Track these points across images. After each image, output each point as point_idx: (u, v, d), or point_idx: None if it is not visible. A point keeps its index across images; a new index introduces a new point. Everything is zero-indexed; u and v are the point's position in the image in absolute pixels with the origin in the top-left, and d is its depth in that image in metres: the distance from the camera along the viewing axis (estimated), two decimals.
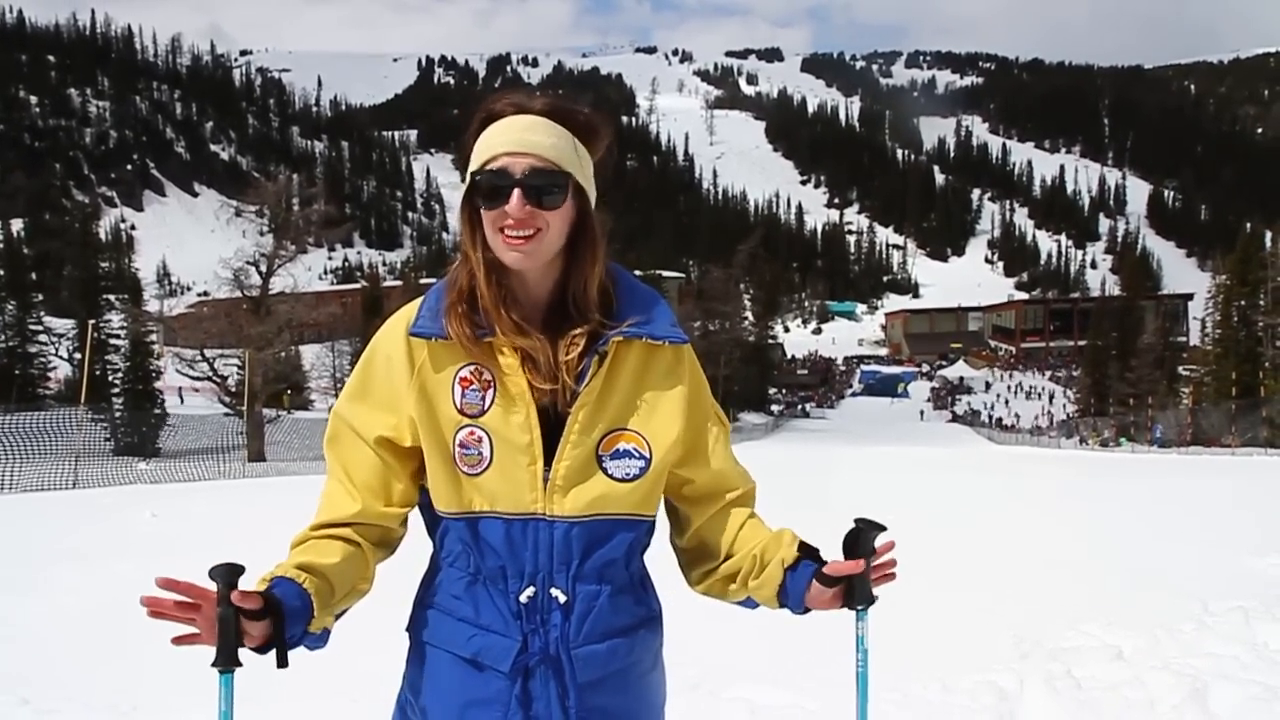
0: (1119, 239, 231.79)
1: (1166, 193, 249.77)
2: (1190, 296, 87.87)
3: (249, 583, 1.25)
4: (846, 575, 1.46)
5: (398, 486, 1.49)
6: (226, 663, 1.25)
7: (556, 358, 1.41)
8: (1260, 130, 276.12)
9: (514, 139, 1.38)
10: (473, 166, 1.41)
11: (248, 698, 4.15)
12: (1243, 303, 38.89)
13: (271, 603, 1.28)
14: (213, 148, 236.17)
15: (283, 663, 1.29)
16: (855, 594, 1.47)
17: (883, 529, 1.48)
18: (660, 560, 1.63)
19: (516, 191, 1.35)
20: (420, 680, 1.49)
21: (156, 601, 1.21)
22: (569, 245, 1.44)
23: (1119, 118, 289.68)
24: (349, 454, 1.49)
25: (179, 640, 1.26)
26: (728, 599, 1.60)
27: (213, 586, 1.25)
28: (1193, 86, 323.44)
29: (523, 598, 1.41)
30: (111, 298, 36.40)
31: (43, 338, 35.09)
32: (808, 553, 1.51)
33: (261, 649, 1.30)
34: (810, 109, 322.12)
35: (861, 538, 1.47)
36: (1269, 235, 42.79)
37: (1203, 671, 3.91)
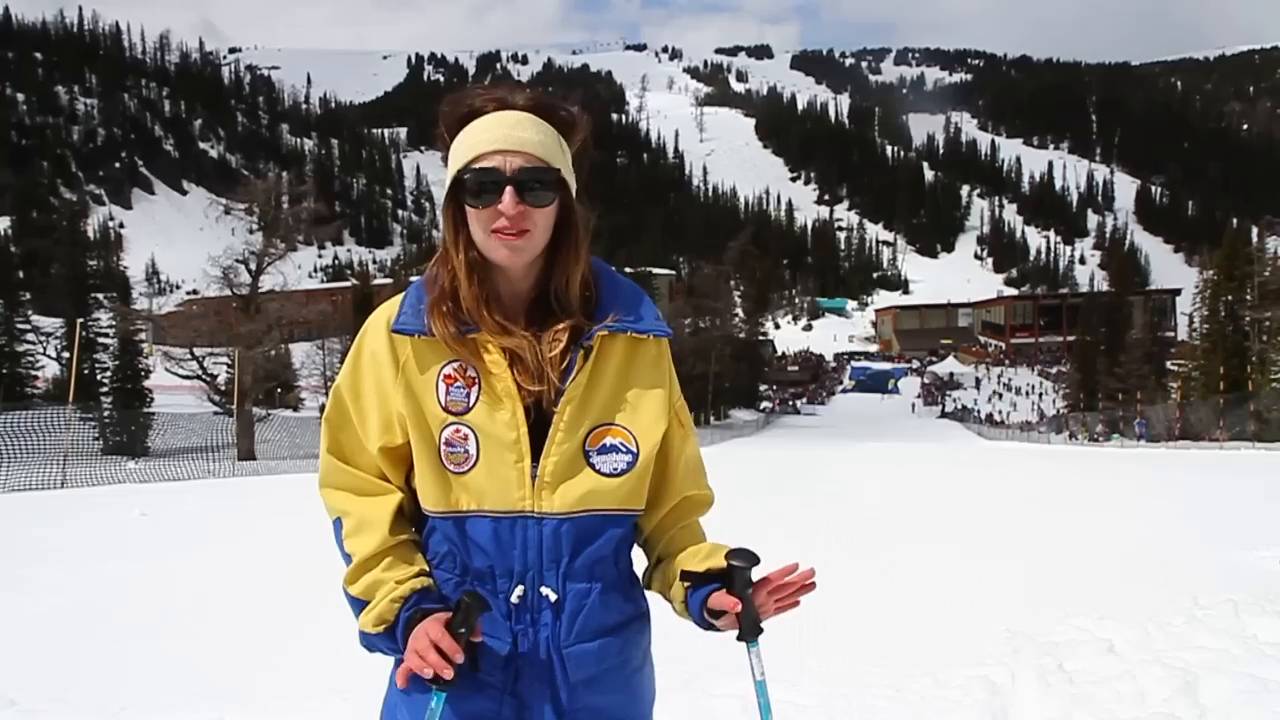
0: (1107, 235, 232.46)
1: (1154, 189, 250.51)
2: (1178, 292, 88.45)
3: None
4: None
5: (402, 491, 1.49)
6: (447, 684, 1.33)
7: (541, 354, 1.40)
8: (1246, 126, 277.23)
9: (503, 136, 1.35)
10: (458, 164, 1.38)
11: (240, 696, 4.12)
12: (1230, 298, 39.03)
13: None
14: (201, 145, 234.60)
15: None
16: (741, 628, 1.43)
17: (756, 562, 1.42)
18: None
19: (509, 189, 1.33)
20: (409, 681, 1.47)
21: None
22: (552, 241, 1.43)
23: (1107, 114, 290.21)
24: (356, 458, 1.49)
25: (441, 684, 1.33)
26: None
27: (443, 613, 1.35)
28: (1179, 83, 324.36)
29: (514, 598, 1.40)
30: (100, 296, 36.14)
31: (30, 337, 34.80)
32: (709, 576, 1.45)
33: None
34: (800, 106, 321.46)
35: (735, 576, 1.42)
36: (1255, 230, 42.97)
37: (1193, 664, 3.92)
